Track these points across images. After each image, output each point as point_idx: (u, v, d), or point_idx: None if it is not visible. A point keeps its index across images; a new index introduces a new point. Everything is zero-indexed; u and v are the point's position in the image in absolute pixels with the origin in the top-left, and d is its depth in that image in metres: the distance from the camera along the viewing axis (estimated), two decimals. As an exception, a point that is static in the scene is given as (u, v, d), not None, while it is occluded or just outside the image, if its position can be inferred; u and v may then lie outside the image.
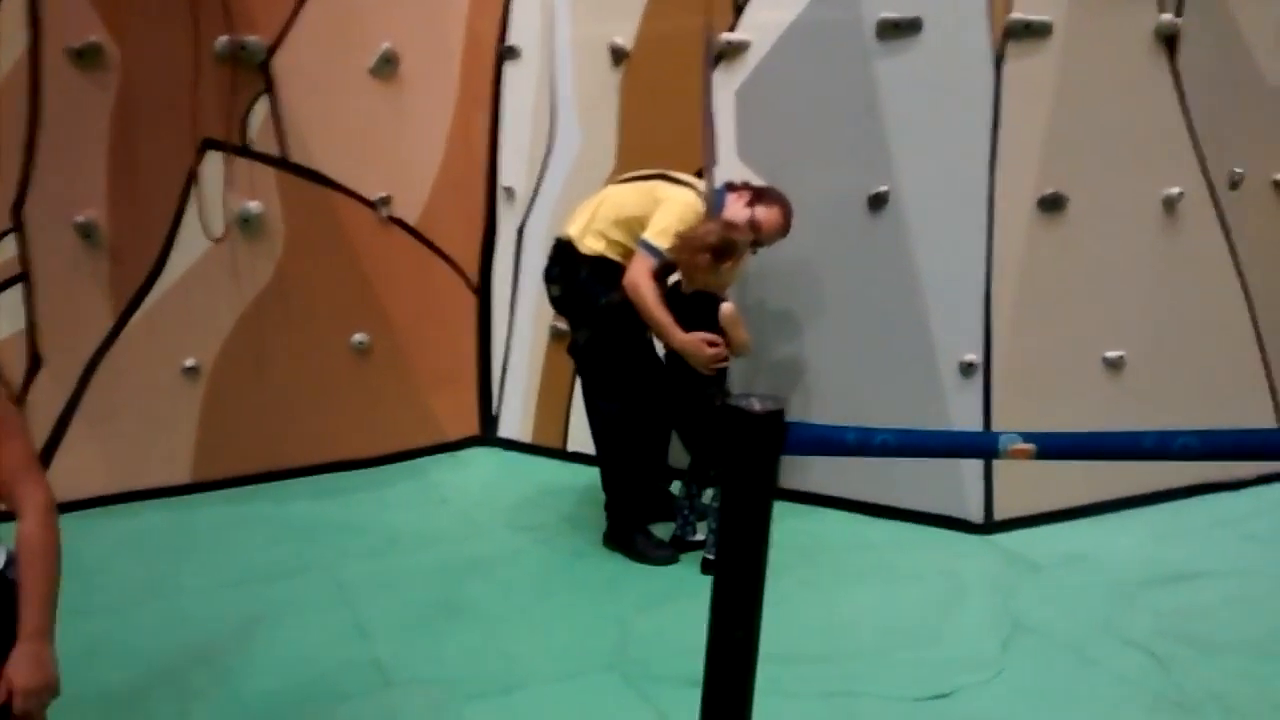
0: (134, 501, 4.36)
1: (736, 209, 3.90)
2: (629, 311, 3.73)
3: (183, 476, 4.47)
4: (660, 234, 3.68)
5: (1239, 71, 4.41)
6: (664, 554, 3.87)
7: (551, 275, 3.99)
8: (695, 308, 3.75)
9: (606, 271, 3.81)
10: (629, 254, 3.77)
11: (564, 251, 3.92)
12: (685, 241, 3.69)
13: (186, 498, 4.43)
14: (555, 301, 4.07)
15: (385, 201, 4.75)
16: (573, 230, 3.91)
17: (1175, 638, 3.19)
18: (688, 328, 3.72)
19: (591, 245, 3.84)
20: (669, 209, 3.73)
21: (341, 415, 4.77)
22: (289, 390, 4.64)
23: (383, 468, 4.83)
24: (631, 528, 3.92)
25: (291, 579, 3.66)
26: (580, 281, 3.88)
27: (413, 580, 3.65)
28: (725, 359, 3.79)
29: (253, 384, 4.55)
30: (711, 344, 3.71)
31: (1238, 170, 4.45)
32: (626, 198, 3.89)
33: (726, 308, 3.74)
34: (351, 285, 4.72)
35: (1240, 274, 4.52)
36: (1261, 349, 4.60)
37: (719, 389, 3.81)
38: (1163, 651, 3.11)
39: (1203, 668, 3.01)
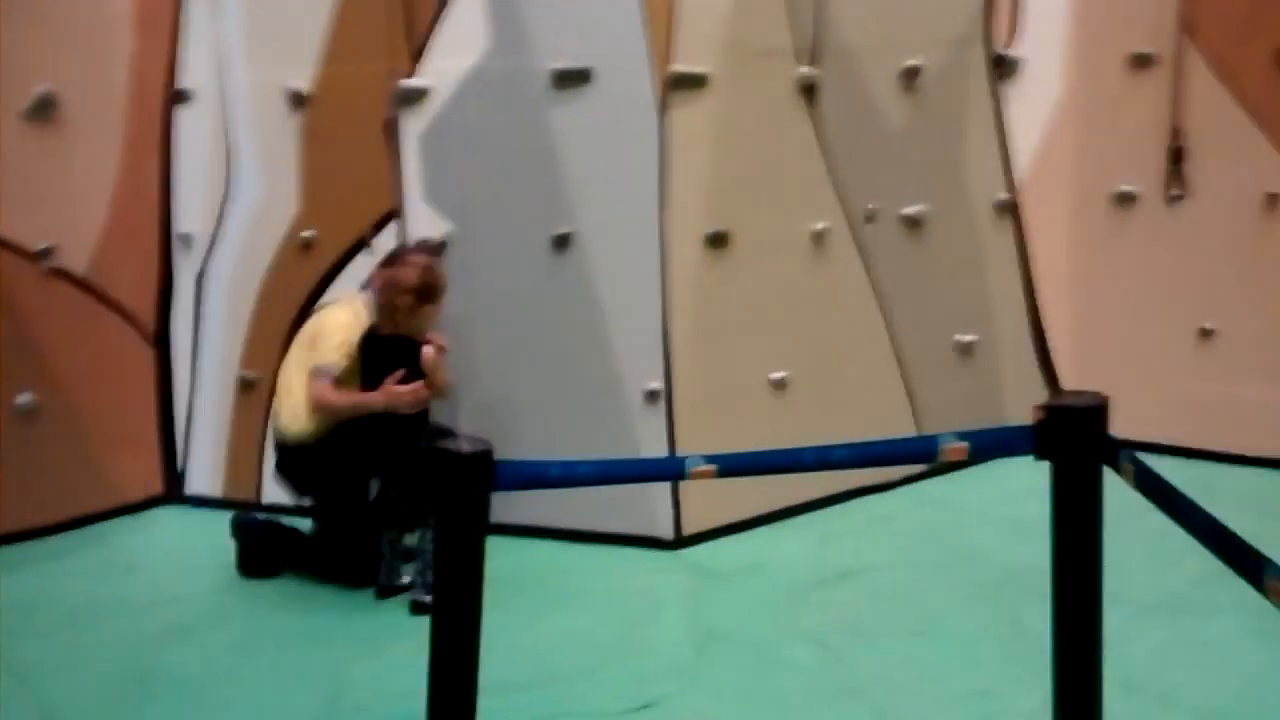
0: None
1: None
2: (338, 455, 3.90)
3: None
4: (325, 355, 3.90)
5: (867, 119, 4.98)
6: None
7: (279, 470, 4.14)
8: (399, 351, 3.84)
9: (316, 452, 3.95)
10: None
11: (280, 446, 4.09)
12: (388, 285, 3.87)
13: None
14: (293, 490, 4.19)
15: (48, 252, 4.46)
16: (281, 421, 4.06)
17: (844, 630, 3.57)
18: (389, 370, 3.81)
19: (302, 428, 3.96)
20: (324, 336, 3.96)
21: (9, 483, 4.39)
22: (-55, 460, 4.25)
23: (59, 536, 4.49)
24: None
25: (-40, 669, 3.36)
26: (300, 473, 4.07)
27: (101, 655, 3.45)
28: (427, 399, 3.88)
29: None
30: (402, 382, 3.82)
31: (872, 206, 5.01)
32: (297, 359, 4.06)
33: (428, 350, 3.85)
34: (13, 343, 4.38)
35: (879, 298, 5.08)
36: (899, 362, 5.17)
37: (423, 431, 3.89)
38: (835, 643, 3.46)
39: (868, 654, 3.39)
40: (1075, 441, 2.06)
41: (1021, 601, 3.65)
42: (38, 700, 3.15)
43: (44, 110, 4.42)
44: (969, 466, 5.13)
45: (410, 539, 3.98)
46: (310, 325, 4.08)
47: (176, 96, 4.89)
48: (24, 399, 4.43)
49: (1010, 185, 5.50)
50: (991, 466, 5.09)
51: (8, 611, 3.78)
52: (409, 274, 3.89)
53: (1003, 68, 5.44)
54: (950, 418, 5.07)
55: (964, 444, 2.15)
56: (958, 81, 5.28)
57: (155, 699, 3.18)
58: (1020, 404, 5.45)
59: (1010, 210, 5.50)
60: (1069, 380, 5.59)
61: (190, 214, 4.93)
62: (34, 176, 4.45)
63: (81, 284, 4.61)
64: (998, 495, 4.72)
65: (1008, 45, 5.47)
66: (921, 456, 2.24)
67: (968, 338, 5.36)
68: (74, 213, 4.59)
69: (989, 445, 2.32)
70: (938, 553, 4.28)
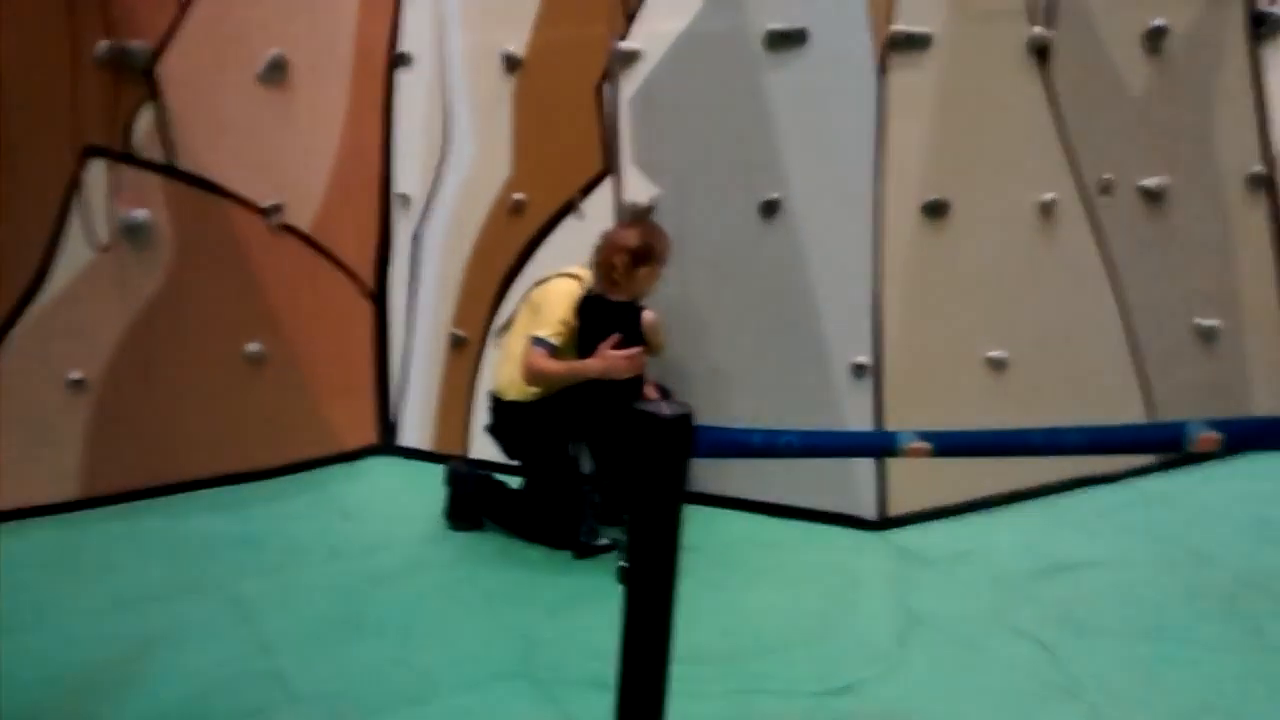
0: (20, 520, 4.21)
1: None
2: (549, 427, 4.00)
3: (71, 493, 4.33)
4: (543, 326, 3.91)
5: (1105, 83, 4.64)
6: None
7: (491, 430, 4.19)
8: (617, 316, 3.88)
9: (529, 415, 4.02)
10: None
11: (496, 405, 4.14)
12: (607, 244, 3.95)
13: (75, 515, 4.30)
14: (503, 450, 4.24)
15: (277, 209, 4.68)
16: (500, 383, 4.13)
17: (1061, 626, 3.34)
18: (606, 335, 3.84)
19: (520, 392, 4.01)
20: (547, 306, 3.97)
21: (236, 426, 4.68)
22: (181, 401, 4.53)
23: (280, 479, 4.76)
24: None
25: (187, 596, 3.57)
26: (512, 434, 4.13)
27: (314, 594, 3.60)
28: (643, 364, 3.88)
29: (142, 396, 4.44)
30: (618, 347, 3.82)
31: (1107, 176, 4.67)
32: (522, 325, 4.10)
33: (649, 315, 3.91)
34: (244, 294, 4.64)
35: (1112, 276, 4.75)
36: (1132, 346, 4.83)
37: (637, 396, 3.90)
38: (1049, 639, 3.24)
39: (1086, 653, 3.15)
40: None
41: (1265, 611, 3.36)
42: (255, 633, 3.30)
43: (275, 73, 4.62)
44: (1204, 462, 4.78)
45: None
46: (537, 292, 4.11)
47: (397, 60, 5.03)
48: (253, 347, 4.68)
49: (1267, 156, 5.03)
50: (1228, 464, 4.72)
51: (232, 546, 4.02)
52: (629, 235, 3.95)
53: (1263, 26, 4.96)
54: (1186, 409, 4.73)
55: (1217, 434, 1.93)
56: (1209, 42, 4.85)
57: (362, 638, 3.28)
58: (1270, 396, 5.03)
59: (1265, 184, 5.03)
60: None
61: (408, 175, 5.07)
62: (265, 136, 4.66)
63: (306, 239, 4.82)
64: (1235, 494, 4.35)
65: (1271, 1, 4.98)
66: (1168, 445, 2.01)
67: (1210, 322, 4.95)
68: (301, 171, 4.79)
69: (1246, 436, 2.08)
70: (1168, 551, 3.96)
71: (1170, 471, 4.75)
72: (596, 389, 3.87)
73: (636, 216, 4.41)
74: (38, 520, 4.23)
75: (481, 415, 4.28)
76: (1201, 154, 4.92)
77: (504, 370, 4.12)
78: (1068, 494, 4.53)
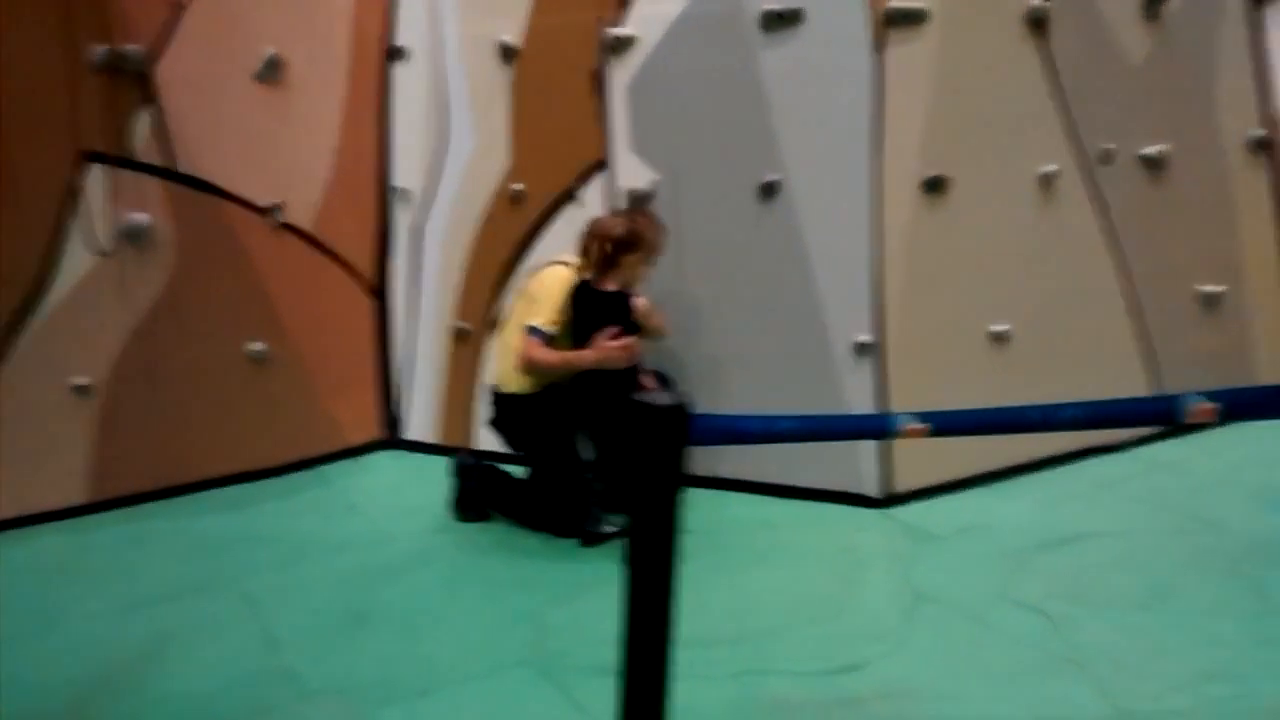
0: (29, 526, 4.24)
1: None
2: (550, 416, 4.01)
3: (79, 497, 4.36)
4: (538, 315, 3.93)
5: (1104, 52, 4.61)
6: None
7: (494, 423, 4.21)
8: (608, 305, 3.87)
9: (531, 406, 4.04)
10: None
11: (497, 398, 4.15)
12: (592, 231, 3.95)
13: (84, 519, 4.32)
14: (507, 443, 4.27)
15: (277, 208, 4.69)
16: (499, 376, 4.16)
17: (1066, 598, 3.34)
18: (600, 323, 3.82)
19: (519, 384, 4.04)
20: (543, 295, 3.98)
21: (241, 425, 4.70)
22: (186, 403, 4.55)
23: (286, 476, 4.79)
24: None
25: (197, 595, 3.59)
26: (515, 427, 4.15)
27: (322, 589, 3.62)
28: (638, 353, 3.89)
29: (148, 399, 4.46)
30: (615, 338, 3.81)
31: (1108, 146, 4.65)
32: (517, 315, 4.11)
33: (641, 301, 3.91)
34: (246, 294, 4.65)
35: (1114, 246, 4.73)
36: (1135, 317, 4.82)
37: (634, 384, 3.91)
38: (1055, 611, 3.24)
39: (1092, 624, 3.15)
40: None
41: (1269, 576, 3.36)
42: (265, 629, 3.32)
43: (272, 72, 4.62)
44: (1210, 429, 4.77)
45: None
46: (533, 282, 4.12)
47: (393, 54, 5.02)
48: (256, 346, 4.69)
49: (1268, 121, 5.00)
50: (1233, 430, 4.71)
51: (240, 544, 4.04)
52: (615, 222, 3.92)
53: (1262, -11, 4.94)
54: (1191, 377, 4.72)
55: (1213, 405, 1.93)
56: (1208, 7, 4.82)
57: (370, 631, 3.29)
58: (1275, 361, 5.01)
59: (1266, 148, 5.00)
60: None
61: (407, 169, 5.07)
62: (264, 136, 4.67)
63: (307, 238, 4.83)
64: (1241, 460, 4.35)
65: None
66: (1162, 418, 2.01)
67: (1213, 289, 4.93)
68: (299, 170, 4.79)
69: (1242, 406, 2.08)
70: (1172, 520, 3.96)
71: (1174, 439, 4.74)
72: (593, 378, 3.88)
73: (635, 204, 4.40)
74: (47, 525, 4.26)
75: (485, 407, 4.29)
76: (1202, 120, 4.90)
77: (503, 363, 4.13)
78: (1072, 465, 4.53)
